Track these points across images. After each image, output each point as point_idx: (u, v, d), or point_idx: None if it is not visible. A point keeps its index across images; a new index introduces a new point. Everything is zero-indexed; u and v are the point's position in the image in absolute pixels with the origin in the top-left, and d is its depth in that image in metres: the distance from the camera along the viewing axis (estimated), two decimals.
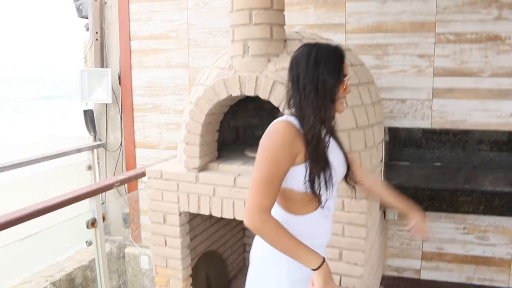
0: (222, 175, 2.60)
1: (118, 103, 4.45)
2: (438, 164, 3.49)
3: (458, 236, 3.60)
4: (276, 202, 1.69)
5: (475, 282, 3.59)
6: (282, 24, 2.58)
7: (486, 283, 3.57)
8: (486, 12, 3.33)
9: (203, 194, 2.63)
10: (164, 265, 2.84)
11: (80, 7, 4.64)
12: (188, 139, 2.64)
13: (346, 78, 1.65)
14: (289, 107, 1.69)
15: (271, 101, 2.39)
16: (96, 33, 4.43)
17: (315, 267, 1.57)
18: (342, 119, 2.42)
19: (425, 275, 3.69)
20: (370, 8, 3.52)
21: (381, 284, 3.60)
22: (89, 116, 4.49)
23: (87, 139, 4.60)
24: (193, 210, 2.68)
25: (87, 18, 4.57)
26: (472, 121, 3.45)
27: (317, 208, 1.71)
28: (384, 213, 3.39)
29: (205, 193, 2.62)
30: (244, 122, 3.50)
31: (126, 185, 4.34)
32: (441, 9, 3.39)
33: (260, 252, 1.80)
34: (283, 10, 2.60)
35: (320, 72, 1.59)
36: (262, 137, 1.62)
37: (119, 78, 4.37)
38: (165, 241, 2.79)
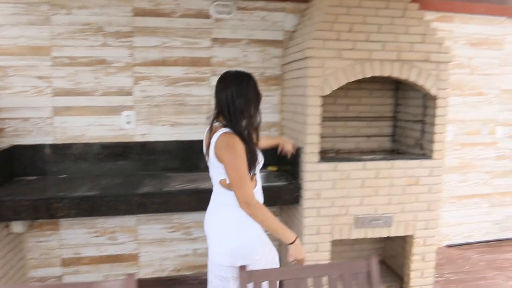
0: None
1: None
2: (65, 175, 3.81)
3: (91, 240, 3.98)
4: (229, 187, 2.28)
5: (112, 279, 3.99)
6: None
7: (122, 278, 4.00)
8: (94, 39, 3.78)
9: None
10: None
11: None
12: None
13: None
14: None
15: None
16: None
17: (291, 242, 2.22)
18: None
19: (68, 280, 3.95)
20: None
21: None
22: None
23: None
24: None
25: None
26: (90, 135, 3.86)
27: (255, 186, 2.35)
28: (7, 227, 3.55)
29: None
30: None
31: None
32: (55, 35, 3.72)
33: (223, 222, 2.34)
34: None
35: None
36: (221, 146, 2.18)
37: None
38: None
